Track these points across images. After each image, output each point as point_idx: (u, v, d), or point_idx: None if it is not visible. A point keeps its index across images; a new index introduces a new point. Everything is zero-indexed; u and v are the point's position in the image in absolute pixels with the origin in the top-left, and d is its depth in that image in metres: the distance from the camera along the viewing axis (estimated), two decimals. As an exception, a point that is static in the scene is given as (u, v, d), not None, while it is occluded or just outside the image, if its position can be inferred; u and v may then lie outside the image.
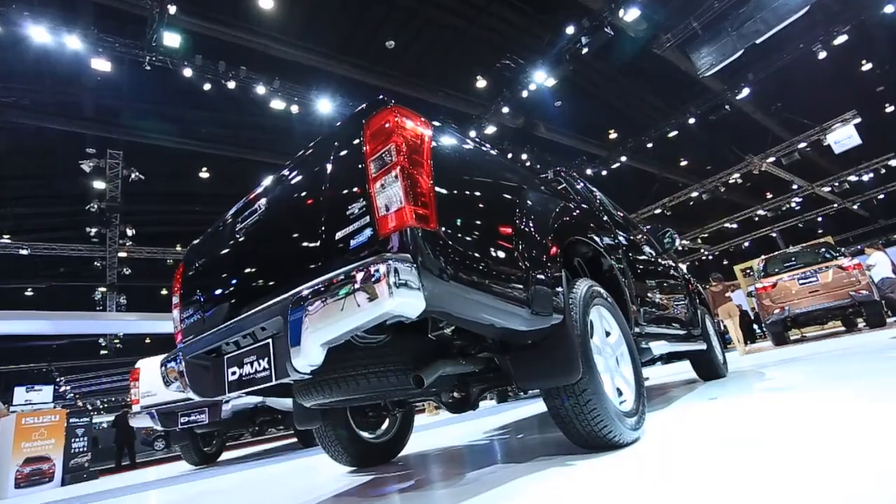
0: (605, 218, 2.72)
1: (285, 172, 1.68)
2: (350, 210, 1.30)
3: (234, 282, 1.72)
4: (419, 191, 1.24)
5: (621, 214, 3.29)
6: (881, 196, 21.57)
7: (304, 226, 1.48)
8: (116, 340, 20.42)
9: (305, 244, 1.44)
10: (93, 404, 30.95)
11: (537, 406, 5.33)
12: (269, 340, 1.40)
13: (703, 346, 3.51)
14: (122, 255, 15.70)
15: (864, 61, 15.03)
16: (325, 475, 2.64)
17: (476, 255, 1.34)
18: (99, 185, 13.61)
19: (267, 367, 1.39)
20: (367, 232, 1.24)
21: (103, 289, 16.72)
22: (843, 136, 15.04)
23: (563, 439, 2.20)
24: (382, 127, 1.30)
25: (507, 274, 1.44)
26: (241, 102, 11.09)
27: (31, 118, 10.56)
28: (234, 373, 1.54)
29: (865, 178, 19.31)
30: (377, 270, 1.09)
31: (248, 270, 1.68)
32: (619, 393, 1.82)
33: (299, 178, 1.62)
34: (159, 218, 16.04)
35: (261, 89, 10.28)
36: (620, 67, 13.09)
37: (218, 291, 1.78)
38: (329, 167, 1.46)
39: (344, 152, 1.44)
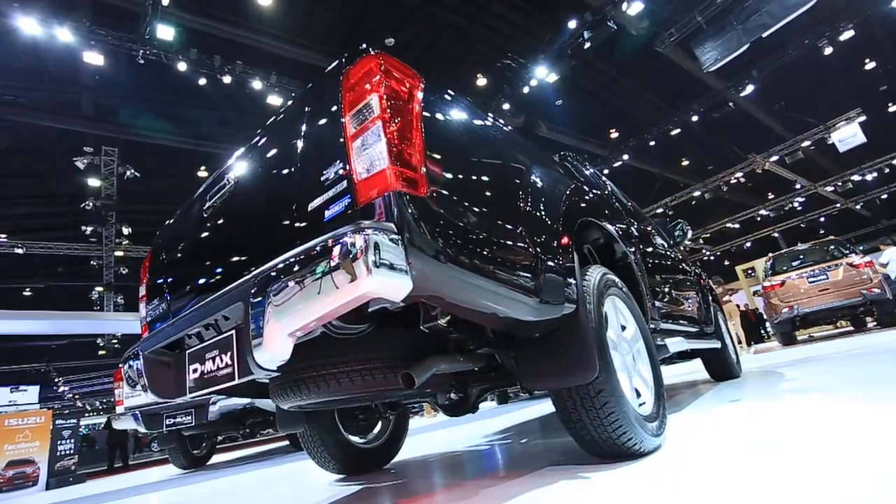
0: (617, 205, 2.52)
1: (257, 140, 1.48)
2: (325, 176, 1.09)
3: (199, 266, 1.51)
4: (407, 151, 1.03)
5: (631, 204, 3.09)
6: (884, 196, 21.38)
7: (274, 198, 1.28)
8: (115, 340, 20.25)
9: (275, 219, 1.24)
10: (91, 405, 30.82)
11: (540, 407, 5.12)
12: (233, 332, 1.19)
13: (718, 345, 3.30)
14: (119, 254, 15.53)
15: (867, 60, 14.86)
16: (311, 483, 2.44)
17: (475, 229, 1.14)
18: (94, 182, 13.47)
19: (230, 363, 1.18)
20: (345, 200, 1.04)
21: (100, 288, 16.54)
22: (847, 135, 14.86)
23: (570, 445, 1.99)
24: (364, 77, 1.10)
25: (513, 253, 1.23)
26: (239, 100, 10.94)
27: (28, 116, 10.45)
28: (195, 370, 1.33)
29: (869, 177, 19.12)
30: (353, 244, 0.88)
31: (214, 252, 1.47)
32: (638, 394, 1.61)
33: (271, 145, 1.42)
34: (157, 217, 15.89)
35: (257, 84, 10.09)
36: (622, 66, 12.95)
37: (183, 277, 1.58)
38: (303, 129, 1.26)
39: (320, 110, 1.23)
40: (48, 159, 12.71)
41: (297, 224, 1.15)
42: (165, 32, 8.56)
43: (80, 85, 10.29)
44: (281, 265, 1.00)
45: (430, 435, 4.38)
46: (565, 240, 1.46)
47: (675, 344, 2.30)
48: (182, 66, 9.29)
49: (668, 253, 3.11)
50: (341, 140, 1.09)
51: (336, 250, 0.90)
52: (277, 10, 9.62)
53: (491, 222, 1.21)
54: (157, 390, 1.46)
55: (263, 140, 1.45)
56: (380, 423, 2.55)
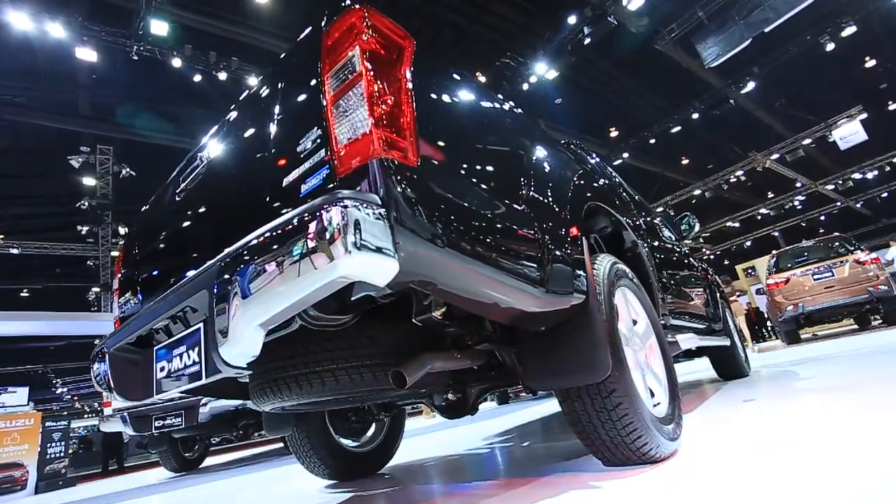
0: (625, 195, 2.39)
1: (231, 117, 1.35)
2: (302, 145, 0.96)
3: (170, 254, 1.39)
4: (394, 114, 0.90)
5: (638, 197, 2.96)
6: (884, 194, 21.29)
7: (248, 176, 1.15)
8: (111, 342, 20.14)
9: (249, 198, 1.11)
10: (90, 406, 30.69)
11: (542, 408, 4.99)
12: (201, 325, 1.06)
13: (727, 342, 3.18)
14: (115, 254, 15.37)
15: (868, 57, 14.77)
16: (299, 490, 2.30)
17: (472, 207, 1.01)
18: (89, 181, 13.33)
19: (197, 360, 1.05)
20: (323, 171, 0.91)
21: (97, 289, 16.39)
22: (848, 132, 14.76)
23: (575, 448, 1.86)
24: (346, 32, 0.97)
25: (514, 234, 1.10)
26: (236, 99, 10.81)
27: (25, 116, 10.35)
28: (162, 368, 1.19)
29: (869, 175, 19.02)
30: (328, 219, 0.75)
31: (186, 238, 1.34)
32: (651, 394, 1.48)
33: (246, 120, 1.28)
34: (152, 217, 15.70)
35: (253, 81, 9.95)
36: (622, 64, 12.86)
37: (154, 267, 1.45)
38: (279, 99, 1.13)
39: (298, 74, 1.10)
40: (45, 159, 12.61)
41: (270, 202, 1.01)
42: (159, 28, 8.43)
43: (77, 84, 10.21)
44: (246, 247, 0.87)
45: (427, 437, 4.25)
46: (574, 224, 1.32)
47: (687, 341, 2.17)
48: (177, 63, 9.17)
49: (676, 247, 2.99)
50: (320, 105, 0.96)
51: (309, 227, 0.76)
52: (274, 6, 9.49)
53: (491, 200, 1.08)
54: (123, 391, 1.32)
55: (237, 116, 1.32)
56: (373, 426, 2.42)
